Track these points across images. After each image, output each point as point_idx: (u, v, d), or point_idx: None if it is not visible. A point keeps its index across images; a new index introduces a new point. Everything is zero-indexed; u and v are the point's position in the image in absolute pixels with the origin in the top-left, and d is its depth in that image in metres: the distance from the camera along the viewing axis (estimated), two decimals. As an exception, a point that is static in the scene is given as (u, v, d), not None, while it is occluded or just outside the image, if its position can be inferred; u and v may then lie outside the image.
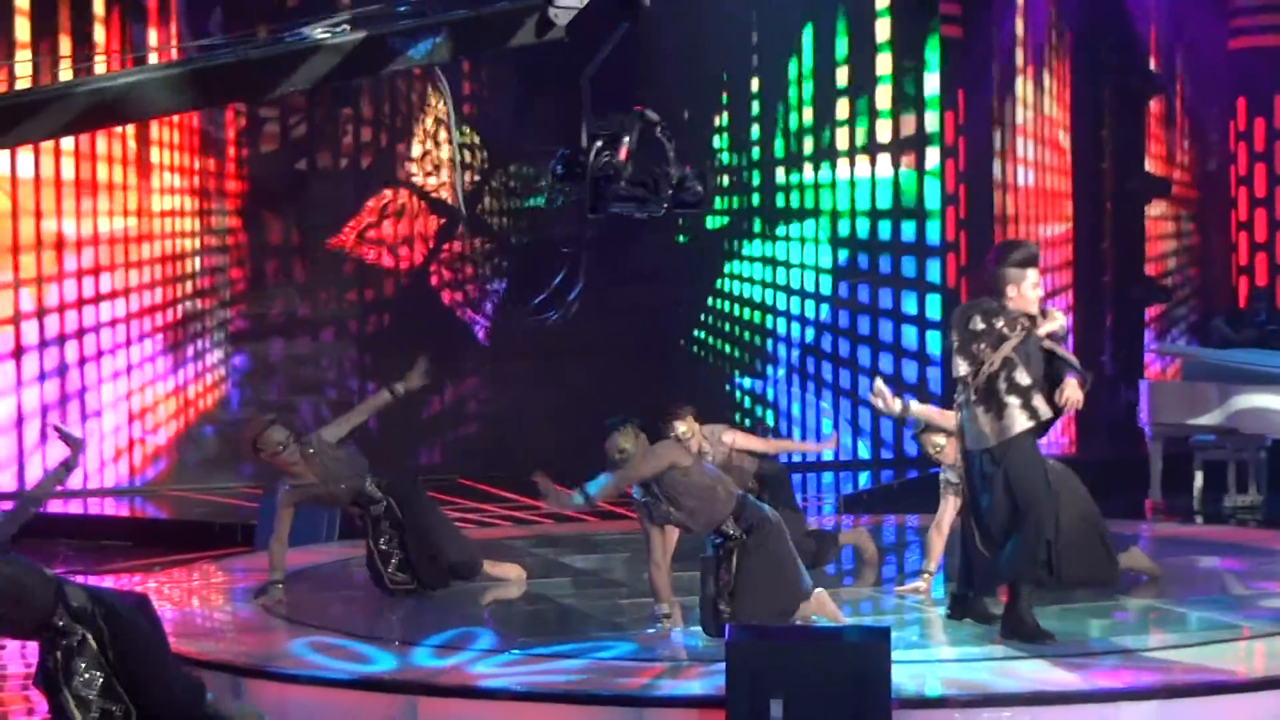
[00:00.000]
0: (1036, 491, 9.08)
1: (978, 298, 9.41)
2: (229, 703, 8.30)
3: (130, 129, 17.40)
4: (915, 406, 10.71)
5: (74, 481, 16.97)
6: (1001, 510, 9.09)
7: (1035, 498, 9.07)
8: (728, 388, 19.78)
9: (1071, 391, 9.03)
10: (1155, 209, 21.65)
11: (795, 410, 19.92)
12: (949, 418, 10.14)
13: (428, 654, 9.21)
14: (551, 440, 18.41)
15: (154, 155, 17.68)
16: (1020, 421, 9.07)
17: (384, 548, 10.82)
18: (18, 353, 17.03)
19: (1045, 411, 9.09)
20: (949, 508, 10.56)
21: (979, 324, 9.01)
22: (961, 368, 9.08)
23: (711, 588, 9.32)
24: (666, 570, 9.65)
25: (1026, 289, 9.08)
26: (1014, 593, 9.23)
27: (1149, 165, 21.53)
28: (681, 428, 10.75)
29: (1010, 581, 9.24)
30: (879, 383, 10.57)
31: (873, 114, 19.64)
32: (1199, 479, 15.73)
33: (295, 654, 9.30)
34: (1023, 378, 9.05)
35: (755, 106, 19.90)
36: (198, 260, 17.96)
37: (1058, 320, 9.18)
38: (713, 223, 20.00)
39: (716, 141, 19.90)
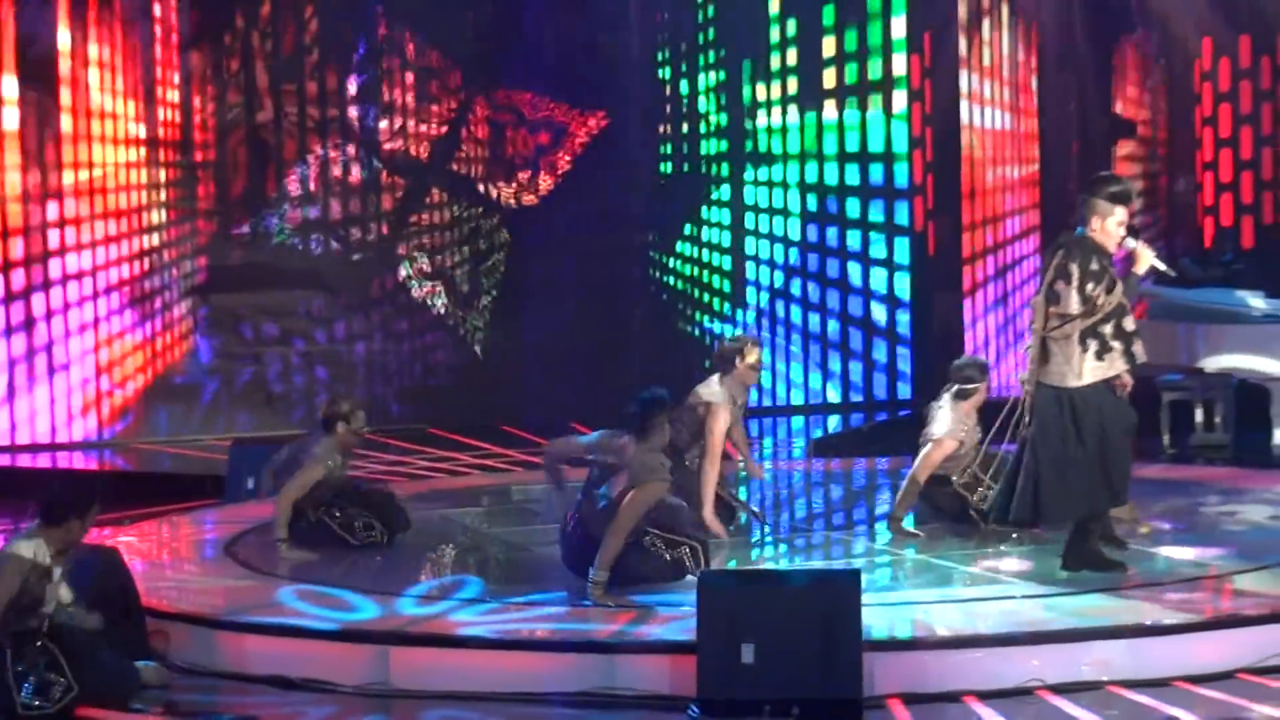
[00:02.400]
0: (1112, 432, 9.13)
1: (1071, 235, 9.38)
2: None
3: (91, 79, 17.34)
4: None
5: (42, 435, 16.99)
6: (1073, 444, 9.10)
7: (1109, 437, 9.11)
8: (696, 332, 19.76)
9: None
10: (1123, 150, 21.66)
11: (765, 355, 19.89)
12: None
13: (409, 603, 9.21)
14: (518, 387, 18.46)
15: (117, 106, 17.57)
16: (1118, 365, 9.13)
17: (339, 517, 10.86)
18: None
19: (1141, 356, 9.15)
20: (935, 453, 10.61)
21: (1094, 264, 9.03)
22: (1075, 304, 9.04)
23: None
24: None
25: (1110, 225, 9.13)
26: (1081, 527, 9.30)
27: (1116, 106, 21.53)
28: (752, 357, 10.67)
29: (1081, 516, 9.30)
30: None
31: (840, 58, 19.59)
32: (1166, 418, 15.75)
33: (278, 603, 9.29)
34: (1129, 323, 9.13)
35: (722, 51, 19.84)
36: (163, 212, 17.86)
37: (1148, 256, 9.21)
38: (681, 167, 19.96)
39: (684, 86, 19.83)
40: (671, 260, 19.90)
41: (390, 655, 8.28)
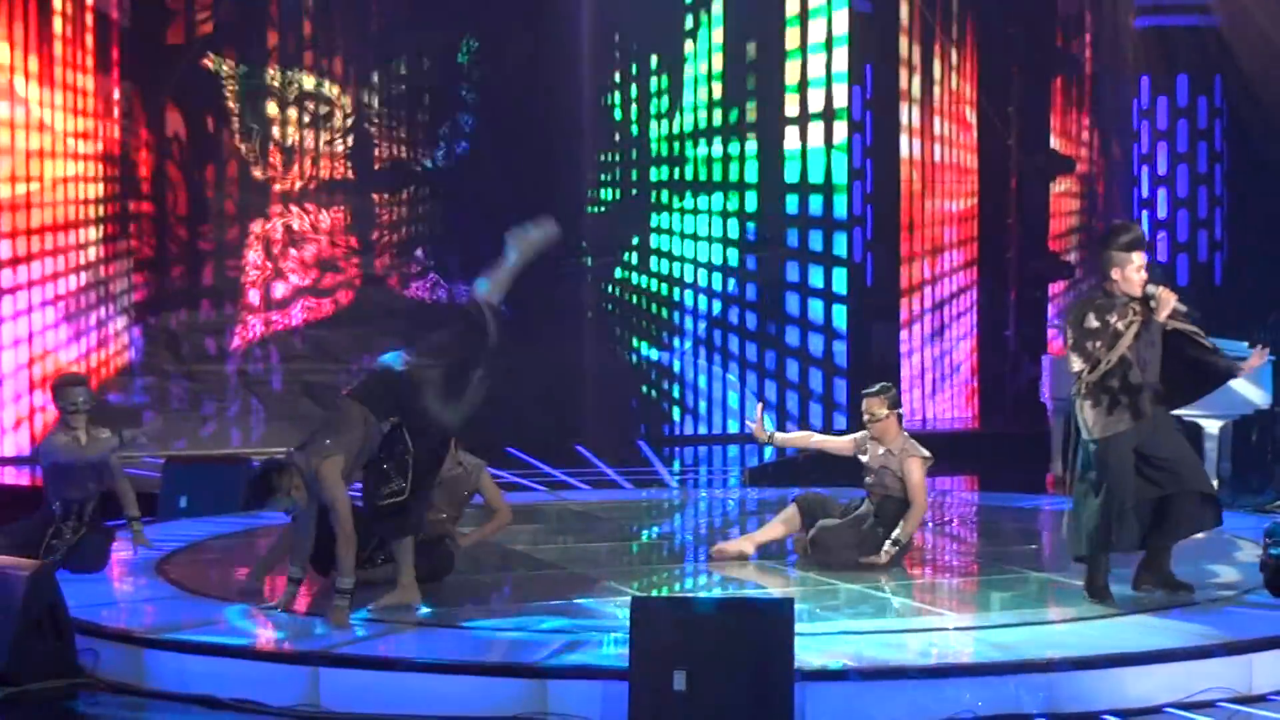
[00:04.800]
0: (1118, 485, 9.36)
1: (1090, 292, 9.89)
2: None
3: (30, 94, 17.26)
4: (779, 436, 11.34)
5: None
6: (1090, 492, 9.45)
7: (1115, 487, 9.36)
8: (634, 359, 19.79)
9: (1255, 358, 9.63)
10: (1060, 185, 21.81)
11: (701, 382, 19.96)
12: (810, 439, 11.25)
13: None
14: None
15: (57, 121, 17.50)
16: (1125, 420, 9.37)
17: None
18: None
19: (1148, 414, 9.37)
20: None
21: (1093, 322, 9.32)
22: (1076, 364, 9.38)
23: None
24: None
25: (1130, 272, 9.37)
26: (1091, 563, 9.54)
27: (1054, 142, 21.69)
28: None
29: (1088, 554, 9.55)
30: (760, 408, 11.15)
31: (781, 88, 19.67)
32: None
33: (209, 621, 9.22)
34: (1135, 376, 9.35)
35: (665, 80, 19.90)
36: (101, 228, 17.78)
37: (1169, 302, 9.36)
38: (618, 195, 20.00)
39: (618, 114, 19.87)
40: (612, 287, 19.92)
41: (320, 676, 8.24)
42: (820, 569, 10.54)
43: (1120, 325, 9.33)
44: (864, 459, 10.89)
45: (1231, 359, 9.64)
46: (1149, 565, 9.75)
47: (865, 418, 10.86)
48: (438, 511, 10.49)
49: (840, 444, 11.18)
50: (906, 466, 10.72)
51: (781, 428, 19.53)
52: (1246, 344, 10.82)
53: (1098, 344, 9.30)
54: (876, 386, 11.10)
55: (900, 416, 10.92)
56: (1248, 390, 14.44)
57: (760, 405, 11.33)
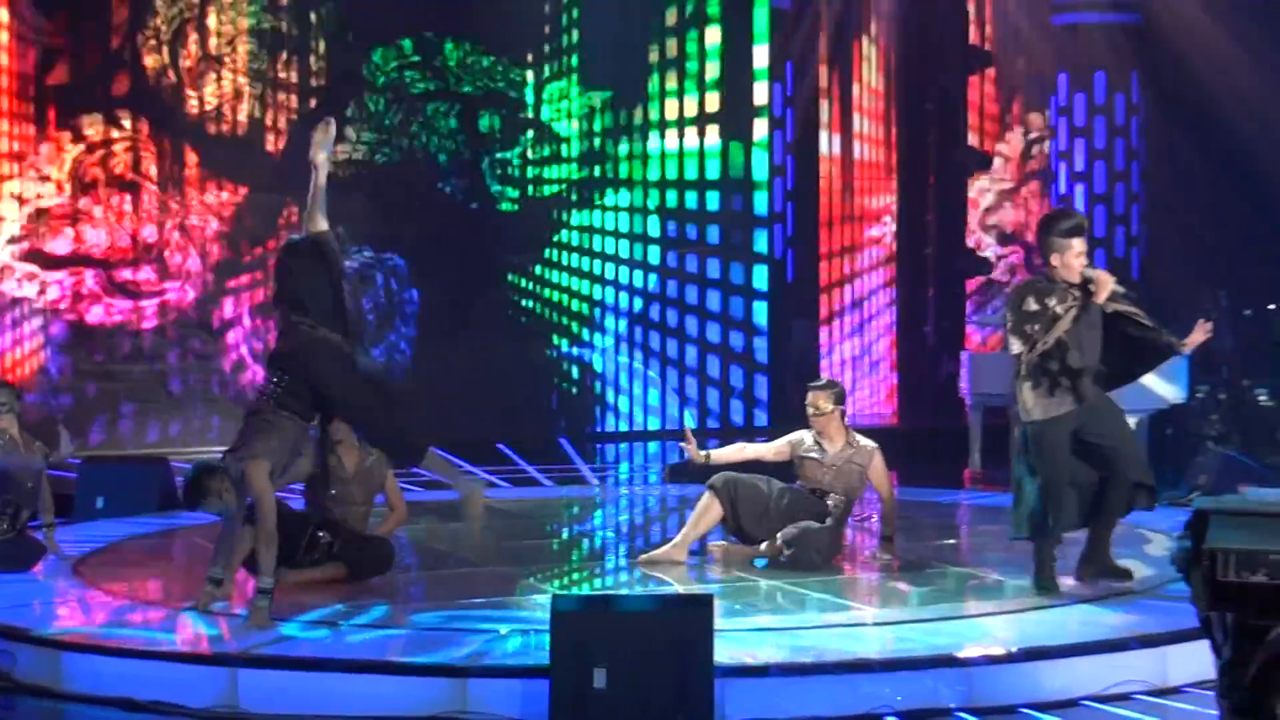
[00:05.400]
0: (1054, 468, 9.50)
1: (1028, 277, 9.95)
2: None
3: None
4: (715, 454, 11.08)
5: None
6: (1027, 475, 9.60)
7: (1055, 478, 9.50)
8: (555, 355, 19.78)
9: (1197, 334, 9.59)
10: (978, 182, 21.93)
11: (623, 380, 19.97)
12: (745, 451, 11.07)
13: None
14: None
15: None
16: (1066, 404, 9.49)
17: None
18: None
19: (1090, 397, 9.47)
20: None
21: (1032, 305, 9.45)
22: (1015, 346, 9.52)
23: None
24: None
25: (1070, 258, 9.49)
26: (1036, 554, 9.67)
27: (972, 139, 21.81)
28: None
29: (1024, 538, 9.73)
30: (687, 431, 11.11)
31: (702, 85, 19.71)
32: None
33: (127, 623, 9.17)
34: (1075, 360, 9.47)
35: (585, 75, 19.90)
36: (16, 226, 17.63)
37: (1107, 283, 9.46)
38: (542, 191, 19.99)
39: (545, 112, 19.87)
40: (532, 284, 19.91)
41: (239, 677, 8.20)
42: (787, 572, 10.46)
43: (1059, 309, 9.43)
44: (818, 456, 10.82)
45: (1171, 336, 9.73)
46: (1089, 555, 9.89)
47: (810, 411, 10.82)
48: (356, 504, 10.47)
49: (777, 449, 11.04)
50: (874, 460, 10.78)
51: (702, 424, 19.60)
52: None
53: (1036, 327, 9.41)
54: (823, 381, 11.20)
55: (844, 414, 10.92)
56: (1161, 387, 14.57)
57: (687, 430, 11.25)
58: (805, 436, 10.88)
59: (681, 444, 10.99)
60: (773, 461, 11.13)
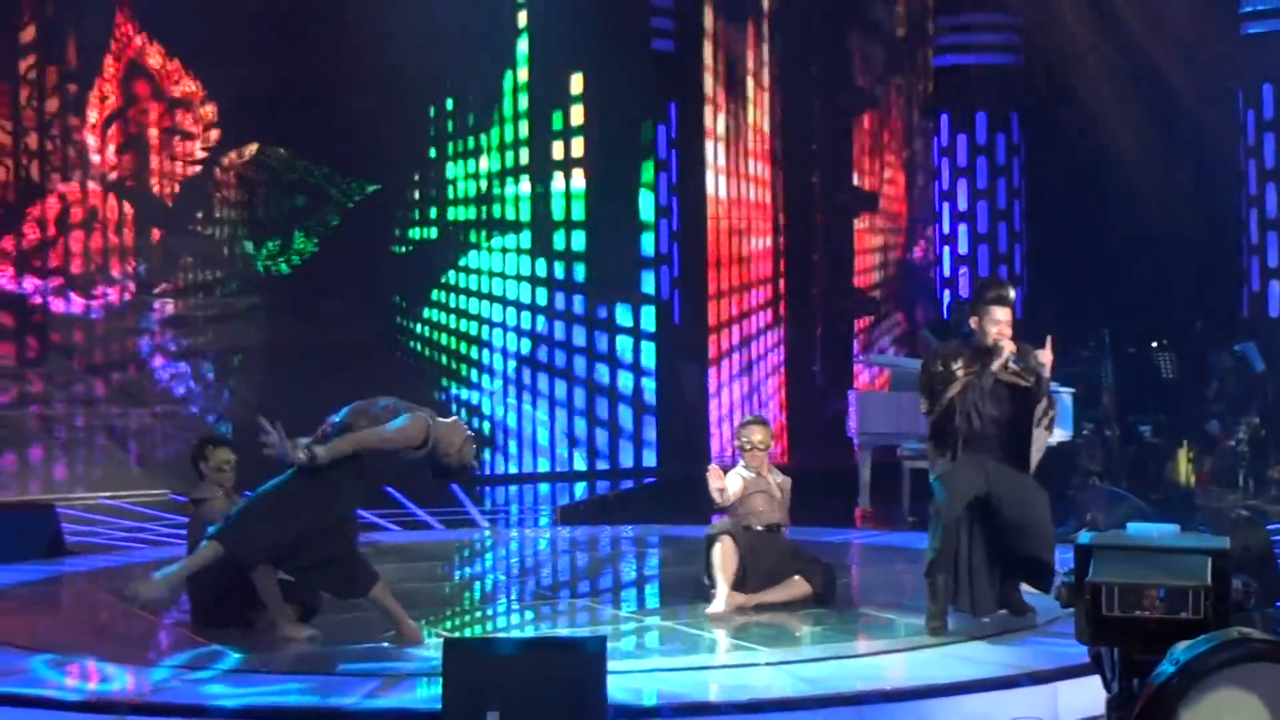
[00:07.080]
0: (949, 516, 9.75)
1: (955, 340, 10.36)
2: None
3: None
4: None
5: None
6: (932, 519, 9.90)
7: (947, 518, 9.74)
8: (442, 398, 19.71)
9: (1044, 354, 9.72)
10: (863, 222, 22.09)
11: (511, 421, 19.93)
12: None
13: (162, 672, 9.01)
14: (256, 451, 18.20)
15: None
16: (950, 462, 9.75)
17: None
18: None
19: (981, 460, 9.73)
20: None
21: (938, 366, 9.79)
22: (922, 405, 9.85)
23: None
24: None
25: (986, 324, 9.76)
26: (930, 594, 9.83)
27: (857, 179, 21.98)
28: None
29: (925, 574, 9.88)
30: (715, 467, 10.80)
31: (588, 126, 19.73)
32: (907, 487, 15.98)
33: (24, 671, 9.03)
34: (966, 423, 9.72)
35: (470, 119, 19.91)
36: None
37: (1003, 353, 9.67)
38: (427, 234, 19.96)
39: (432, 153, 19.85)
40: (419, 326, 19.86)
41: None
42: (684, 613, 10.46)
43: (960, 372, 9.65)
44: (766, 490, 10.78)
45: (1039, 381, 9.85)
46: (997, 589, 10.04)
47: (746, 446, 10.80)
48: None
49: (736, 491, 10.87)
50: (787, 490, 10.86)
51: (591, 466, 19.59)
52: None
53: (938, 388, 9.69)
54: (756, 416, 11.34)
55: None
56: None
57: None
58: (745, 472, 10.85)
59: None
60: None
